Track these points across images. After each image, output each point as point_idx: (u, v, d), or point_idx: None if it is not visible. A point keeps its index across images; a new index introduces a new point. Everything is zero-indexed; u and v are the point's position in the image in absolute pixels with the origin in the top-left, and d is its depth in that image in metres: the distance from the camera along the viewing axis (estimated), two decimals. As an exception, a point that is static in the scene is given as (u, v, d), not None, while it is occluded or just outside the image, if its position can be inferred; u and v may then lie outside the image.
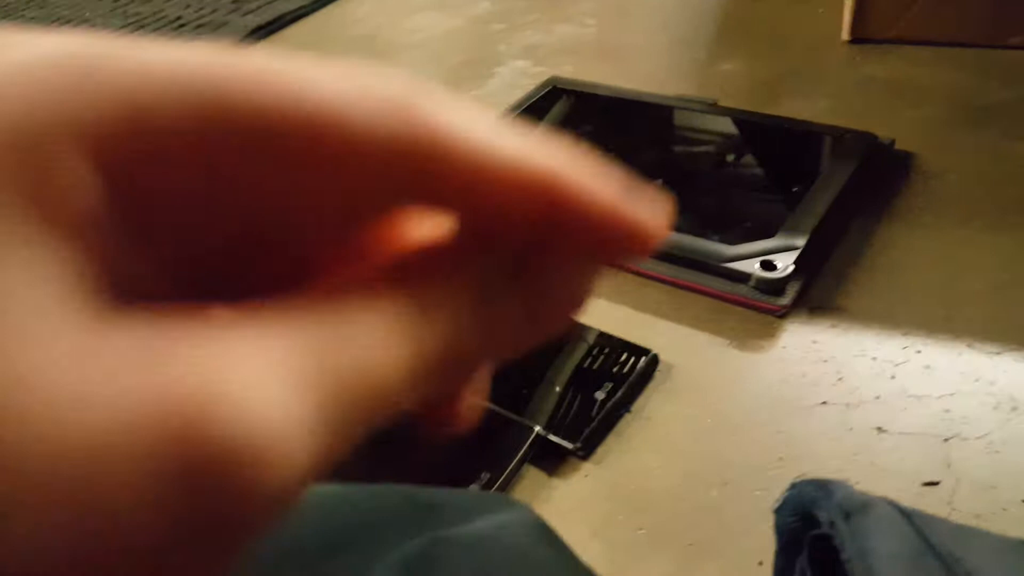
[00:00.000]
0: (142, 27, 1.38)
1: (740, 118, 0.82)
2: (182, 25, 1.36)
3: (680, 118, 0.85)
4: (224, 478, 0.09)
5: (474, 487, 0.55)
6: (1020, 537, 0.36)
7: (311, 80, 0.10)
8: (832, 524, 0.34)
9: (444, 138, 0.11)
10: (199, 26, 1.35)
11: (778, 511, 0.43)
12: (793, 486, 0.41)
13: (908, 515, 0.36)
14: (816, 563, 0.37)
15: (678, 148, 0.85)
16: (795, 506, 0.40)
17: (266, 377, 0.10)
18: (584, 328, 0.64)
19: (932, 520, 0.36)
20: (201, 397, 0.09)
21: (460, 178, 0.11)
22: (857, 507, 0.36)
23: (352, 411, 0.10)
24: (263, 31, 1.28)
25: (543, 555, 0.32)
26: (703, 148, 0.83)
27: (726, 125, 0.83)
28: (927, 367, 0.60)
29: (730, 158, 0.80)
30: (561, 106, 0.89)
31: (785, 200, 0.72)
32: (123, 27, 1.39)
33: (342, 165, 0.11)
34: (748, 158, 0.80)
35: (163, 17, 1.41)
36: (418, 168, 0.11)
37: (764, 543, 0.51)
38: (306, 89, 0.10)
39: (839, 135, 0.77)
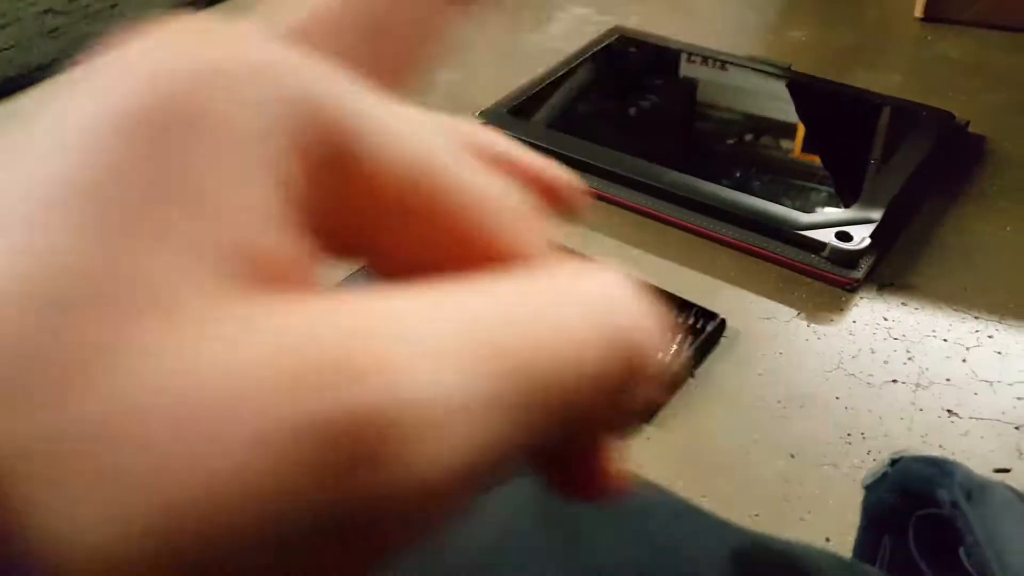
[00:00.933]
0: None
1: (814, 85, 0.80)
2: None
3: (708, 91, 0.83)
4: (365, 446, 0.07)
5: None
6: None
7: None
8: (955, 504, 0.33)
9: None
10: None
11: (871, 487, 0.42)
12: (894, 462, 0.40)
13: (1024, 500, 0.35)
14: (923, 544, 0.36)
15: (702, 122, 0.83)
16: (897, 483, 0.39)
17: (427, 338, 0.08)
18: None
19: (1048, 507, 0.35)
20: (342, 353, 0.08)
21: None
22: (977, 488, 0.35)
23: (534, 400, 0.09)
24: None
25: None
26: (724, 123, 0.81)
27: (752, 105, 0.81)
28: (999, 353, 0.59)
29: (748, 138, 0.78)
30: (628, 56, 0.86)
31: (857, 172, 0.70)
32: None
33: None
34: (766, 139, 0.78)
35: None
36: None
37: (832, 519, 0.51)
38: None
39: (916, 111, 0.75)
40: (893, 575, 0.37)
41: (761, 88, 0.81)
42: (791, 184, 0.71)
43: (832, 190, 0.70)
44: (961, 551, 0.33)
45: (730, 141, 0.75)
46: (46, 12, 1.07)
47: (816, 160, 0.76)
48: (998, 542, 0.32)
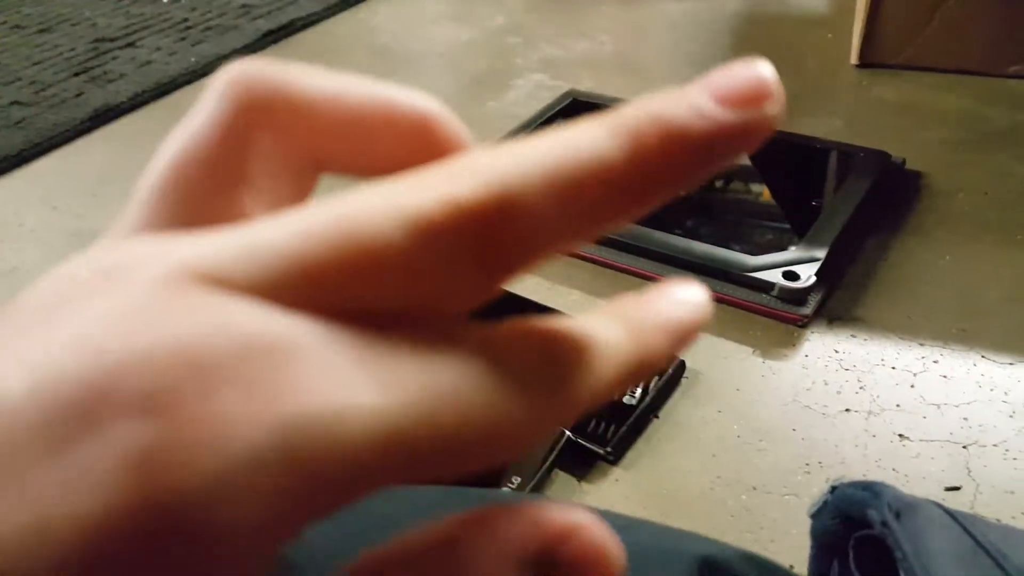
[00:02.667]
0: (145, 28, 1.38)
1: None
2: (188, 28, 1.36)
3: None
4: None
5: (506, 491, 0.56)
6: (1057, 537, 0.37)
7: None
8: (884, 524, 0.36)
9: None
10: (206, 29, 1.35)
11: (816, 515, 0.44)
12: (833, 489, 0.42)
13: (952, 515, 0.38)
14: (862, 565, 0.39)
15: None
16: (836, 509, 0.42)
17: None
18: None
19: (976, 519, 0.38)
20: None
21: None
22: (906, 507, 0.37)
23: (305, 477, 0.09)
24: (273, 36, 1.29)
25: None
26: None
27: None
28: (944, 377, 0.62)
29: (718, 184, 0.82)
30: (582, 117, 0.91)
31: (802, 215, 0.74)
32: (125, 27, 1.39)
33: None
34: (736, 184, 0.82)
35: (168, 19, 1.41)
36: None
37: (794, 547, 0.53)
38: None
39: (854, 153, 0.79)
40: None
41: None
42: (740, 229, 0.74)
43: (779, 232, 0.74)
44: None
45: (680, 192, 0.79)
46: (12, 104, 1.11)
47: (763, 205, 0.80)
48: (924, 555, 0.34)
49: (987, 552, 0.35)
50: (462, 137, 0.14)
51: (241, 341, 0.09)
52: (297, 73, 0.13)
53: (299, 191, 0.14)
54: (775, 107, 0.12)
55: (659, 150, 0.12)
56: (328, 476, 0.09)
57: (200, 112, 0.13)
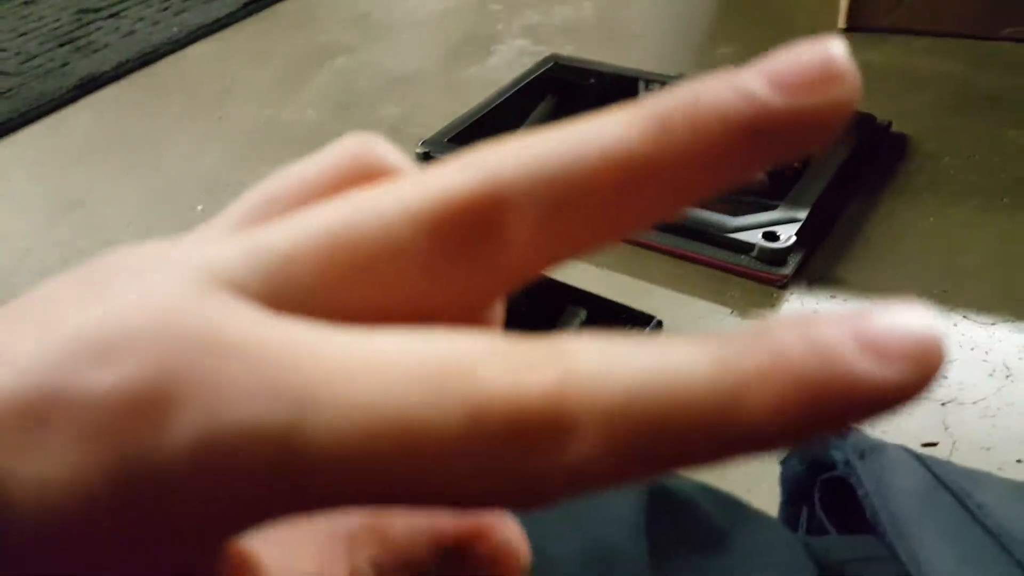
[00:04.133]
0: None
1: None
2: None
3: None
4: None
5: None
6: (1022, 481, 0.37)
7: None
8: (848, 463, 0.35)
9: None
10: None
11: (784, 462, 0.44)
12: (801, 435, 0.42)
13: (918, 456, 0.37)
14: (827, 507, 0.38)
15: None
16: (803, 454, 0.41)
17: None
18: (585, 295, 0.65)
19: (941, 462, 0.37)
20: None
21: None
22: (870, 448, 0.36)
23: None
24: (255, 5, 1.28)
25: None
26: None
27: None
28: (924, 336, 0.61)
29: None
30: (563, 81, 0.90)
31: (785, 177, 0.73)
32: None
33: None
34: None
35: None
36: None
37: (768, 500, 0.52)
38: None
39: (837, 115, 0.78)
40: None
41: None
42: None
43: (760, 194, 0.73)
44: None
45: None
46: (-1, 74, 1.10)
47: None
48: (886, 492, 0.34)
49: (949, 490, 0.34)
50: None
51: (225, 345, 0.09)
52: (398, 157, 0.14)
53: None
54: (844, 92, 0.10)
55: (689, 139, 0.10)
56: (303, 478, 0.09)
57: (317, 157, 0.14)
